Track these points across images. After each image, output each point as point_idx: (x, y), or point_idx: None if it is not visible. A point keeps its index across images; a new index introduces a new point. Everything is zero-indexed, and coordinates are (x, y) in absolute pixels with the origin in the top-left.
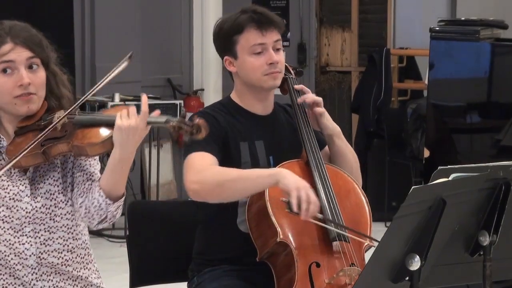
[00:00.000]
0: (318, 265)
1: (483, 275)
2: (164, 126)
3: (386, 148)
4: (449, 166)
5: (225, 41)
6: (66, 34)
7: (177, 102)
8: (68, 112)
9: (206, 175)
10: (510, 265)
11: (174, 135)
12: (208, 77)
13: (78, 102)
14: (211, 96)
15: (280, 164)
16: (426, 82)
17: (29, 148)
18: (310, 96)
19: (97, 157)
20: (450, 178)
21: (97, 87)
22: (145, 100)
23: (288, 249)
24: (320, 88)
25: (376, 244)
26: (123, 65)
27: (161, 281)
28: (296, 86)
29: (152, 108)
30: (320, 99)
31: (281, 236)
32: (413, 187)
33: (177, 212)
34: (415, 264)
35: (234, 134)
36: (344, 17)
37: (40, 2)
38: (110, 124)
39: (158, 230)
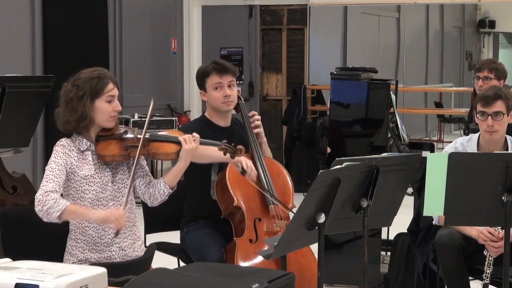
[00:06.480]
0: (260, 220)
1: (362, 225)
2: (215, 147)
3: (304, 147)
4: (342, 158)
5: (200, 81)
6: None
7: (174, 119)
8: (146, 131)
9: None
10: (379, 219)
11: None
12: (193, 102)
13: (146, 125)
14: (195, 115)
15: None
16: (328, 106)
17: (139, 148)
18: (257, 118)
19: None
20: (343, 165)
21: (147, 125)
22: (197, 136)
23: (241, 210)
24: (262, 110)
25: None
26: (151, 105)
27: (163, 230)
28: (250, 113)
29: (157, 122)
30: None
31: (236, 202)
32: (320, 171)
33: None
34: (322, 218)
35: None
36: (277, 65)
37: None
38: (175, 142)
39: None
